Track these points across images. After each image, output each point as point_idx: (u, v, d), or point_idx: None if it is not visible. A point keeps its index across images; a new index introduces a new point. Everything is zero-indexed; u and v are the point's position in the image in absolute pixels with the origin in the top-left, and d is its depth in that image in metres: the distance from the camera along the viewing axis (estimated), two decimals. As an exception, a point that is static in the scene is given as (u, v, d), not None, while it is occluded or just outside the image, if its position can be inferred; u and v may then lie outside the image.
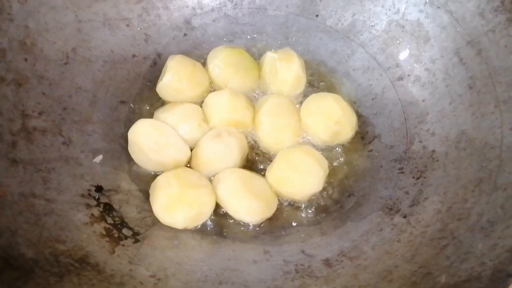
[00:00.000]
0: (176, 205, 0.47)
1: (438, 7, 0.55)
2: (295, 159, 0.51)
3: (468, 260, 0.38)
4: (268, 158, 0.55)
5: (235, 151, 0.52)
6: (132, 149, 0.52)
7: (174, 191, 0.47)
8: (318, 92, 0.60)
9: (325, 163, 0.52)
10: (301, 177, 0.50)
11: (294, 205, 0.52)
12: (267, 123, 0.54)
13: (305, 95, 0.60)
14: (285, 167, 0.50)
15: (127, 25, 0.60)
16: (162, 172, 0.51)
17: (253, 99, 0.60)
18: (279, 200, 0.52)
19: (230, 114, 0.54)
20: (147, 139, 0.50)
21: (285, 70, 0.58)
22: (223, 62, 0.59)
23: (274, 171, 0.51)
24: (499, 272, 0.35)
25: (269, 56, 0.60)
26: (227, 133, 0.52)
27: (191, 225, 0.49)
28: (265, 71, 0.60)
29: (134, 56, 0.60)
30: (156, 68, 0.61)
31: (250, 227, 0.51)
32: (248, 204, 0.48)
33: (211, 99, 0.56)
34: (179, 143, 0.52)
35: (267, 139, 0.55)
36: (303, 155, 0.51)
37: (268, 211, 0.50)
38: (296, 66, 0.58)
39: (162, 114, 0.54)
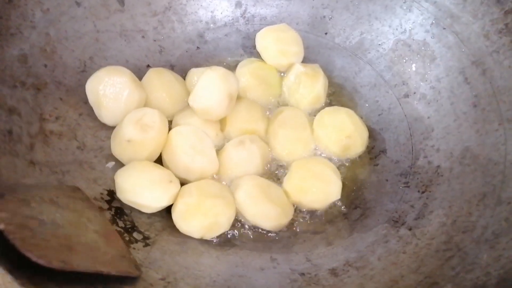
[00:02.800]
0: (193, 214, 0.47)
1: (444, 28, 0.57)
2: (313, 169, 0.52)
3: (473, 270, 0.39)
4: (279, 168, 0.56)
5: (257, 158, 0.53)
6: (166, 149, 0.52)
7: (192, 200, 0.48)
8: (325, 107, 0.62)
9: (339, 173, 0.53)
10: (321, 185, 0.51)
11: (301, 216, 0.53)
12: (280, 134, 0.56)
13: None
14: (305, 176, 0.51)
15: (143, 37, 0.62)
16: (185, 179, 0.52)
17: (268, 111, 0.61)
18: (286, 210, 0.53)
19: (245, 124, 0.56)
20: (186, 143, 0.51)
21: (307, 86, 0.60)
22: (250, 72, 0.60)
23: (293, 180, 0.52)
24: (504, 282, 0.36)
25: (297, 68, 0.61)
26: (250, 141, 0.53)
27: (207, 234, 0.49)
28: (289, 80, 0.61)
29: (148, 66, 0.62)
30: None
31: (258, 235, 0.51)
32: (265, 209, 0.49)
33: None
34: (212, 155, 0.52)
35: (280, 150, 0.56)
36: (320, 165, 0.52)
37: (284, 218, 0.51)
38: (319, 86, 0.60)
39: (181, 120, 0.56)
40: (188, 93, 0.58)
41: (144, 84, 0.57)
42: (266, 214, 0.50)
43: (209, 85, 0.52)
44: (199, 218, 0.47)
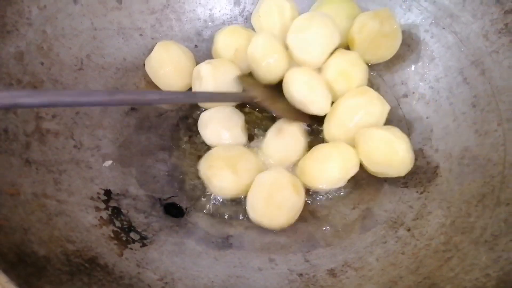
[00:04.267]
0: (215, 156, 0.53)
1: (443, 28, 0.57)
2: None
3: (472, 271, 0.39)
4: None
5: (300, 138, 0.55)
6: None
7: (228, 153, 0.53)
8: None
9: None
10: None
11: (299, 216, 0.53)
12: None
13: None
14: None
15: (140, 35, 0.62)
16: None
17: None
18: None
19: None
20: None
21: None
22: None
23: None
24: (503, 283, 0.36)
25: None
26: (287, 126, 0.55)
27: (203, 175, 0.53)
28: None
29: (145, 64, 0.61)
30: (167, 77, 0.62)
31: (256, 236, 0.51)
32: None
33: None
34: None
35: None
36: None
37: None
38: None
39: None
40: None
41: (152, 58, 0.59)
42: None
43: (322, 36, 0.55)
44: (209, 162, 0.52)
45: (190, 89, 0.61)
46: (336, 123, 0.55)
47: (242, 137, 0.56)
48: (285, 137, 0.54)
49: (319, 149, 0.53)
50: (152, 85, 0.61)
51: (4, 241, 0.36)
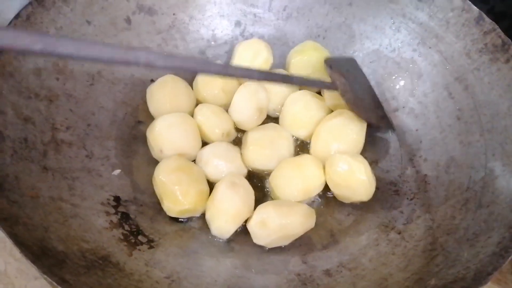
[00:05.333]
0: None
1: (430, 47, 0.61)
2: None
3: (455, 266, 0.42)
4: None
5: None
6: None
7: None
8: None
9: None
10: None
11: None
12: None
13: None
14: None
15: (148, 53, 0.66)
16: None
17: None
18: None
19: None
20: None
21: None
22: None
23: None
24: (480, 273, 0.40)
25: None
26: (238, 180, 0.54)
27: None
28: None
29: (152, 80, 0.65)
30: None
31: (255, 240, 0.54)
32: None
33: None
34: None
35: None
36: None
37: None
38: None
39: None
40: (195, 99, 0.63)
41: (151, 91, 0.61)
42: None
43: (241, 100, 0.59)
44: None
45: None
46: (320, 143, 0.59)
47: (243, 168, 0.58)
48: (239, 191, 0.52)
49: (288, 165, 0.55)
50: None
51: (28, 236, 0.39)
